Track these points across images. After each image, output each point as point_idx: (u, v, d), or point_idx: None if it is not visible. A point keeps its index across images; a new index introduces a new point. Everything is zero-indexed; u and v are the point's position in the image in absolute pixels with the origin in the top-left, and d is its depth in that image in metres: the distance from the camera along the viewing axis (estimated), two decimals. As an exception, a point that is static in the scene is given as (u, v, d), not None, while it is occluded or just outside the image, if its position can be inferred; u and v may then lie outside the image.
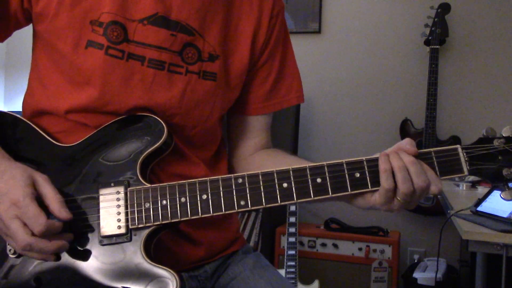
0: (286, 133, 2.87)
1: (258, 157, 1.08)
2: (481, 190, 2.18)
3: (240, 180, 0.84)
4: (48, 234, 0.78)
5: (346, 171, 0.82)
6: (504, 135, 0.82)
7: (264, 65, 1.05)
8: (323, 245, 2.71)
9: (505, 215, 1.54)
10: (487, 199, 1.69)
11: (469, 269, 2.48)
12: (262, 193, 0.83)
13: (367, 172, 0.82)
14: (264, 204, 0.83)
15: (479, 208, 1.66)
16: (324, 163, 0.83)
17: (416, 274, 2.50)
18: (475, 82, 2.90)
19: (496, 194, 1.69)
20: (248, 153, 1.09)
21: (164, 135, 0.89)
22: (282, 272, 2.52)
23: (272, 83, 1.07)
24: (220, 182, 0.84)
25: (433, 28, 2.78)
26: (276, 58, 1.07)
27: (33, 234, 0.77)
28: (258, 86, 1.06)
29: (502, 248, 1.47)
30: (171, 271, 0.81)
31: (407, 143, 0.84)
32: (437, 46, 2.76)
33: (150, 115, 0.91)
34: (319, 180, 0.82)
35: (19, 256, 0.85)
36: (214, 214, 0.83)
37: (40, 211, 0.77)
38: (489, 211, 1.62)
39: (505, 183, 0.82)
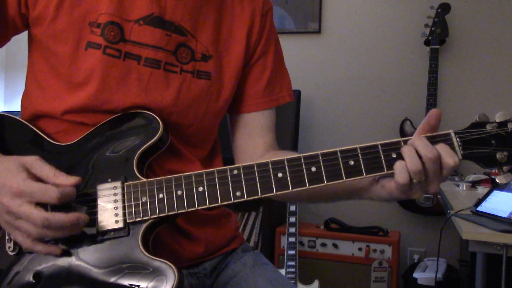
0: (286, 134, 2.87)
1: (272, 157, 1.07)
2: (481, 190, 2.18)
3: (235, 172, 0.84)
4: (65, 200, 0.78)
5: (340, 159, 0.82)
6: (497, 120, 0.82)
7: (258, 61, 1.08)
8: (323, 245, 2.71)
9: (505, 215, 1.54)
10: (487, 199, 1.69)
11: (469, 269, 2.47)
12: (258, 184, 0.83)
13: (361, 159, 0.82)
14: (259, 194, 0.83)
15: (479, 208, 1.66)
16: (319, 152, 0.83)
17: (416, 274, 2.50)
18: (475, 82, 2.90)
19: (496, 194, 1.69)
20: (258, 154, 1.09)
21: (160, 131, 0.90)
22: (282, 272, 2.52)
23: (268, 79, 1.09)
24: (216, 174, 0.85)
25: (433, 28, 2.78)
26: (269, 55, 1.09)
27: (46, 210, 0.77)
28: (254, 83, 1.08)
29: (502, 248, 1.47)
30: (170, 264, 0.81)
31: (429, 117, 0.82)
32: (437, 46, 2.76)
33: (146, 112, 0.92)
34: (314, 169, 0.82)
35: (18, 253, 0.85)
36: (211, 205, 0.84)
37: (46, 184, 0.78)
38: (489, 211, 1.62)
39: (500, 167, 0.81)
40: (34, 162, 0.80)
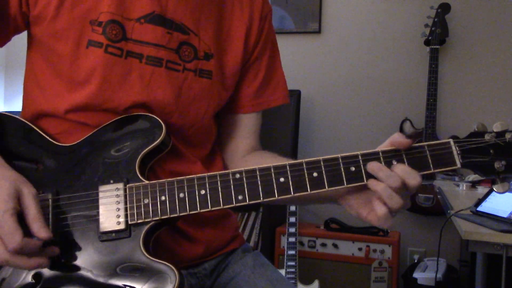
0: (286, 133, 2.87)
1: (252, 159, 1.09)
2: (481, 190, 2.18)
3: (237, 176, 0.85)
4: (24, 252, 0.77)
5: (341, 165, 0.84)
6: (495, 130, 0.84)
7: (254, 63, 1.08)
8: (323, 245, 2.71)
9: (505, 215, 1.54)
10: (487, 199, 1.69)
11: (469, 269, 2.48)
12: (260, 188, 0.84)
13: (362, 166, 0.83)
14: (261, 198, 0.84)
15: (479, 208, 1.66)
16: (320, 157, 0.84)
17: (416, 274, 2.50)
18: (475, 82, 2.90)
19: (496, 194, 1.69)
20: (239, 154, 1.10)
21: (162, 134, 0.90)
22: (282, 272, 2.52)
23: (261, 81, 1.09)
24: (218, 178, 0.85)
25: (433, 28, 2.78)
26: (264, 57, 1.09)
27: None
28: (247, 84, 1.09)
29: (502, 248, 1.47)
30: (171, 266, 0.81)
31: (397, 136, 0.84)
32: (437, 46, 2.76)
33: (149, 114, 0.92)
34: (315, 174, 0.83)
35: None
36: (213, 208, 0.84)
37: (17, 229, 0.76)
38: (489, 211, 1.62)
39: (498, 176, 0.83)
40: (28, 196, 0.79)
